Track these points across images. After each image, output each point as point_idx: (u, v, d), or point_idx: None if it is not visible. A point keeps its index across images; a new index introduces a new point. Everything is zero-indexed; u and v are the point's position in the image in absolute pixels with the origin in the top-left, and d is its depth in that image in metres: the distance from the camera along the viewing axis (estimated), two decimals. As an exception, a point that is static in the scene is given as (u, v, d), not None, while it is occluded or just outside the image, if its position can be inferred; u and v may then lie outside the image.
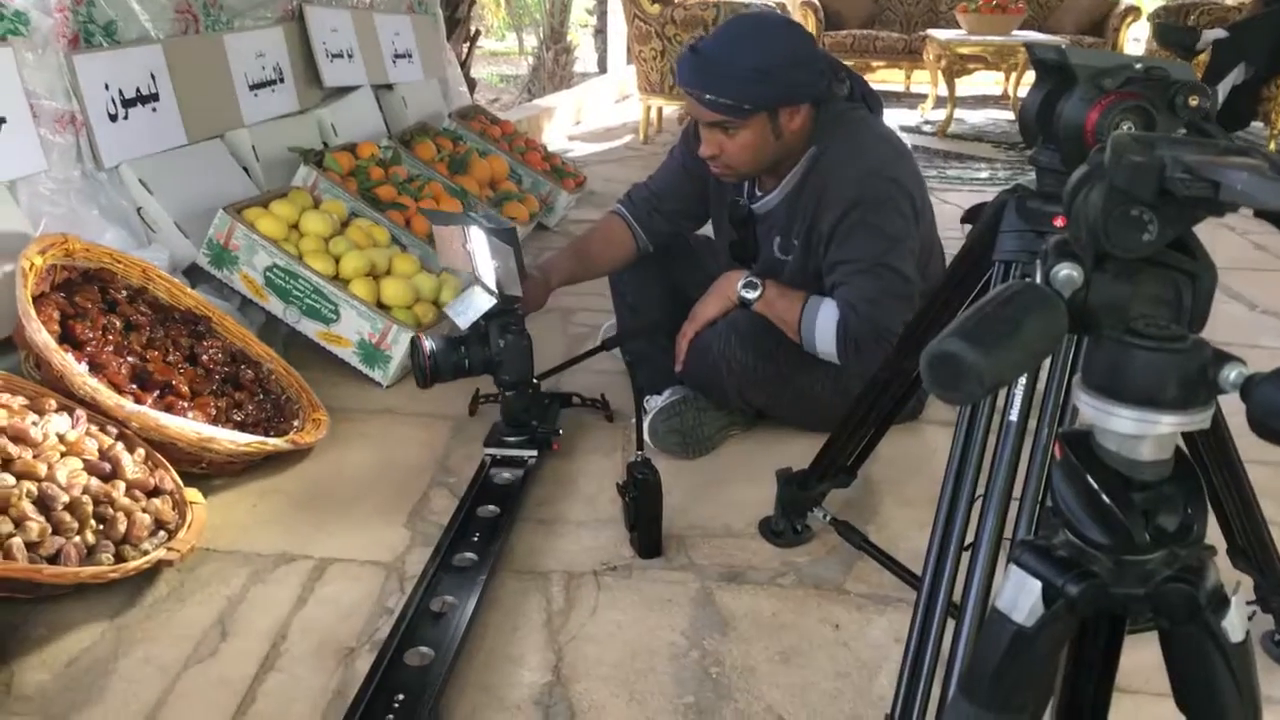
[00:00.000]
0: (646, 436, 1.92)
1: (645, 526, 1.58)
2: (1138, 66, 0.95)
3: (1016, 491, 1.03)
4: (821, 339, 1.76)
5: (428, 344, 1.77)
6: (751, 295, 1.81)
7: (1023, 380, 1.05)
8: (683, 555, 1.61)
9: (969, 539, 1.07)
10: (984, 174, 4.70)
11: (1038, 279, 0.52)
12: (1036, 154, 1.05)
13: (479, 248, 1.80)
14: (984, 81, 7.23)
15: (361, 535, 1.65)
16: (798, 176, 1.81)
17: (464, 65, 5.00)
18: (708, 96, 1.67)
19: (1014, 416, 1.03)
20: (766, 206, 1.88)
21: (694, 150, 1.87)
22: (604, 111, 6.64)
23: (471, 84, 5.06)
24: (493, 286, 1.80)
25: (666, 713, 1.26)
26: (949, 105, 5.84)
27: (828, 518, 1.56)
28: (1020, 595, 0.52)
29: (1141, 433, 0.51)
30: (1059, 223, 1.06)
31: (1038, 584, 0.52)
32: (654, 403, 1.99)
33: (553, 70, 8.18)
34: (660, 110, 5.66)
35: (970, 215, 1.17)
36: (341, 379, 2.20)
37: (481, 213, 1.99)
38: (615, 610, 1.47)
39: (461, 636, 1.34)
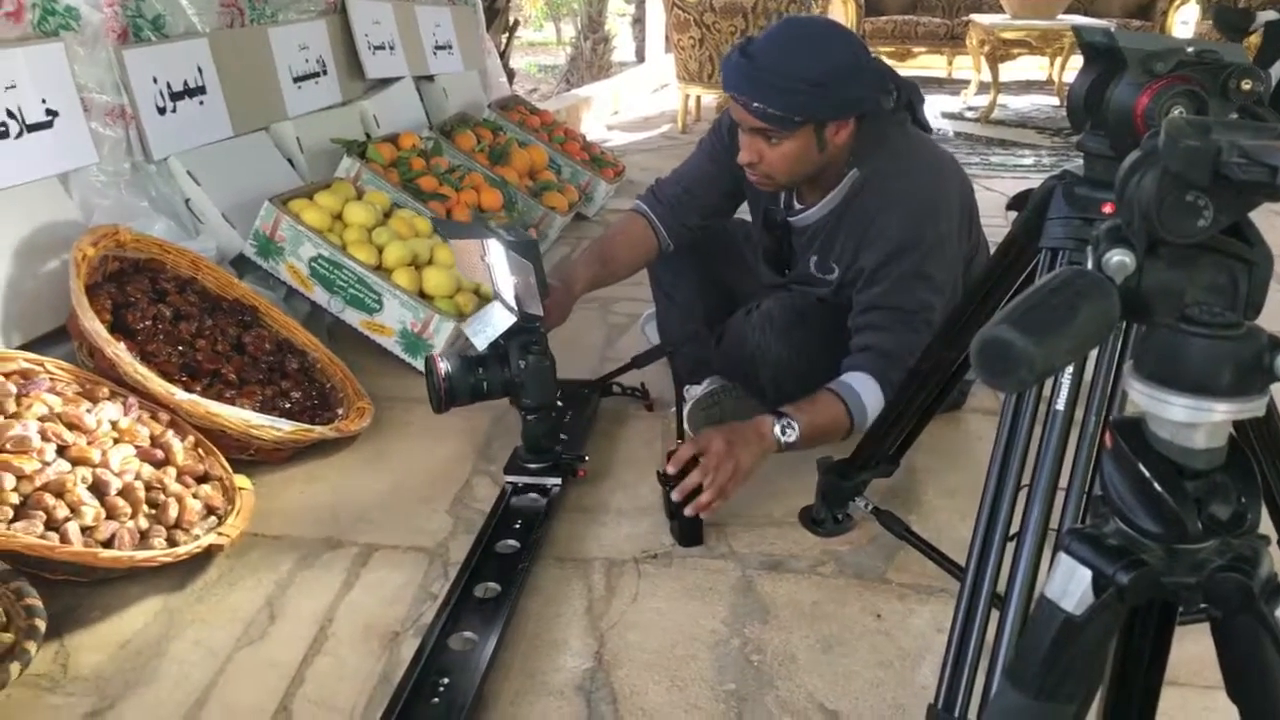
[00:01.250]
0: (686, 425, 1.93)
1: (686, 516, 1.59)
2: (1189, 50, 0.93)
3: (1062, 482, 1.02)
4: (873, 409, 1.63)
5: (443, 365, 1.65)
6: (793, 436, 1.59)
7: (1070, 369, 1.04)
8: (723, 544, 1.61)
9: (1014, 529, 1.06)
10: (1028, 160, 4.64)
11: (1088, 265, 0.51)
12: (1084, 139, 1.03)
13: (497, 262, 1.69)
14: (1028, 67, 7.11)
15: (405, 522, 1.67)
16: (839, 198, 1.74)
17: (503, 56, 5.02)
18: (756, 105, 1.59)
19: (1060, 405, 1.02)
20: (804, 221, 1.81)
21: (727, 144, 1.84)
22: (642, 101, 6.63)
23: (510, 74, 5.08)
24: (512, 303, 1.69)
25: (708, 699, 1.27)
26: (992, 91, 5.76)
27: (869, 507, 1.55)
28: (1070, 583, 0.52)
29: (1195, 421, 0.50)
30: (1108, 209, 1.05)
31: (1088, 572, 0.52)
32: (693, 392, 1.99)
33: (591, 60, 8.19)
34: (699, 99, 5.64)
35: (1016, 202, 1.15)
36: (384, 368, 2.22)
37: (499, 224, 1.79)
38: (656, 598, 1.48)
39: (505, 622, 1.36)
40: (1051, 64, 6.46)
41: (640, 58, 8.07)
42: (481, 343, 1.70)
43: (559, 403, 1.75)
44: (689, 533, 1.60)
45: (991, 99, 5.75)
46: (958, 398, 1.98)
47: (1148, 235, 0.50)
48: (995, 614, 1.04)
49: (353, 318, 2.23)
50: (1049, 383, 1.05)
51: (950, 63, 7.52)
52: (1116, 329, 0.99)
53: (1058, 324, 0.43)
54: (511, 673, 1.32)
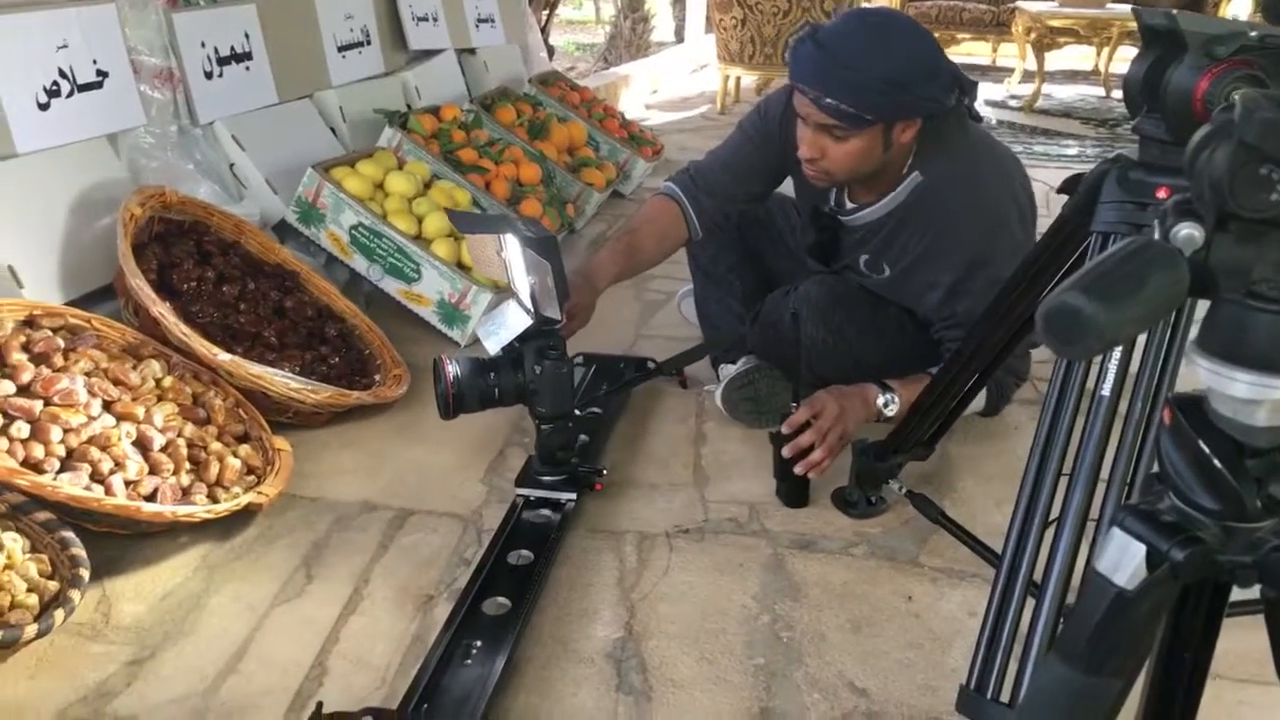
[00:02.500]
0: (720, 404, 1.93)
1: (794, 477, 1.61)
2: (1252, 34, 0.91)
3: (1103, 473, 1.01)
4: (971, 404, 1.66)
5: (451, 368, 1.54)
6: (893, 411, 1.68)
7: (1116, 354, 1.03)
8: (755, 522, 1.61)
9: (1051, 515, 1.05)
10: (1072, 150, 4.57)
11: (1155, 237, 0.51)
12: (1140, 123, 1.02)
13: (514, 259, 1.58)
14: (1074, 56, 7.00)
15: (440, 488, 1.69)
16: (899, 201, 1.69)
17: (543, 31, 5.00)
18: (828, 100, 1.52)
19: (1106, 391, 1.01)
20: (858, 221, 1.76)
21: (774, 133, 1.78)
22: (681, 81, 6.59)
23: (550, 51, 5.07)
24: (529, 304, 1.57)
25: (737, 673, 1.28)
26: (1037, 80, 5.68)
27: (903, 490, 1.55)
28: (1123, 558, 0.52)
29: (1258, 398, 0.50)
30: (1163, 194, 1.04)
31: (1142, 548, 0.52)
32: (727, 371, 1.99)
33: (630, 39, 8.15)
34: (739, 80, 5.60)
35: (1068, 185, 1.14)
36: (421, 337, 2.23)
37: (520, 218, 1.67)
38: (687, 572, 1.48)
39: (538, 589, 1.37)
40: (1098, 54, 6.36)
41: (679, 38, 8.02)
42: (494, 346, 1.57)
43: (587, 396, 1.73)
44: (796, 495, 1.64)
45: (1036, 88, 5.67)
46: (998, 403, 1.87)
47: (1217, 209, 0.50)
48: (1029, 600, 1.04)
49: (391, 287, 2.25)
50: (1094, 369, 1.04)
51: (995, 50, 7.42)
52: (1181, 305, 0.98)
53: (1127, 292, 0.43)
54: (543, 639, 1.33)
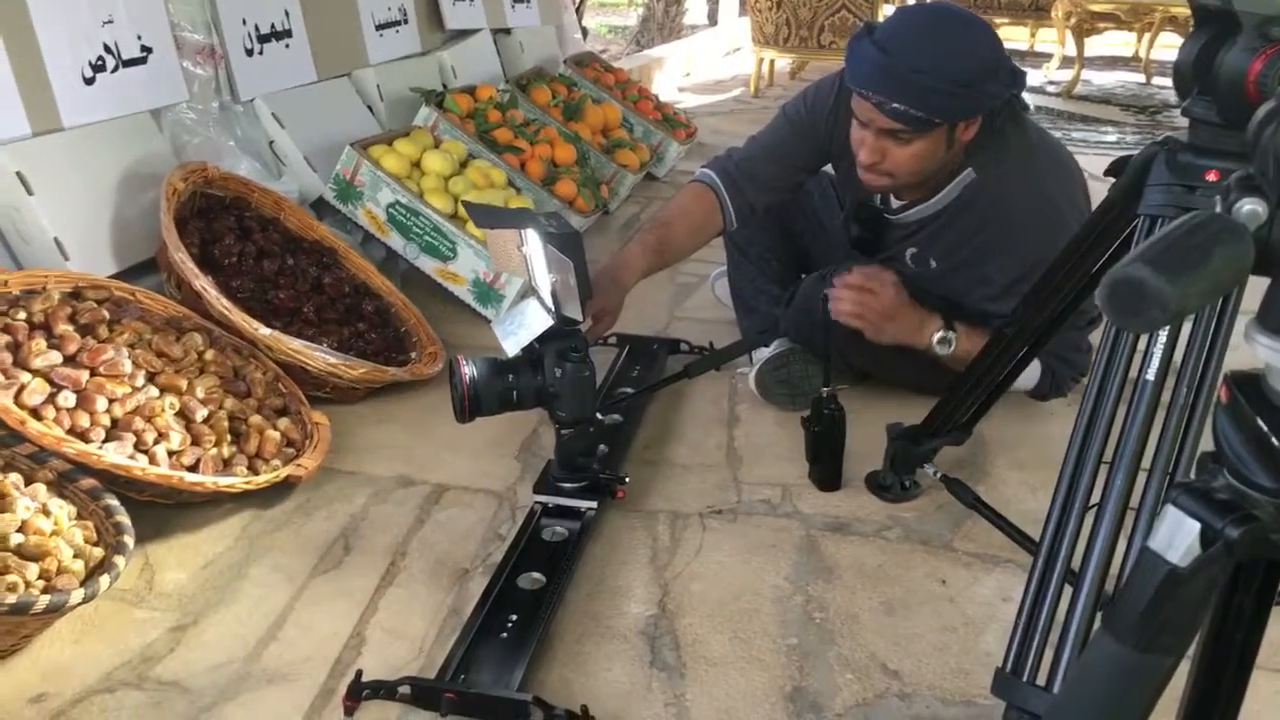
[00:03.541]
0: (753, 387, 1.93)
1: (827, 460, 1.62)
2: (1309, 15, 0.90)
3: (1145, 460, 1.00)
4: (1020, 383, 1.66)
5: (467, 369, 1.45)
6: (945, 351, 1.67)
7: (1162, 339, 1.02)
8: (788, 503, 1.62)
9: (1091, 501, 1.05)
10: (1111, 137, 4.52)
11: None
12: (1190, 105, 1.01)
13: (535, 255, 1.49)
14: (1114, 42, 6.89)
15: (475, 465, 1.70)
16: (950, 198, 1.67)
17: (578, 12, 4.99)
18: (894, 105, 1.47)
19: (1150, 376, 1.01)
20: (906, 218, 1.74)
21: (821, 129, 1.74)
22: (714, 64, 6.56)
23: (583, 33, 5.06)
24: (550, 303, 1.49)
25: (769, 652, 1.28)
26: (1076, 65, 5.60)
27: (938, 474, 1.55)
28: (1177, 535, 0.52)
29: (1319, 376, 0.49)
30: (1212, 177, 1.03)
31: (1195, 525, 0.51)
32: (761, 354, 1.98)
33: (662, 22, 8.10)
34: (773, 63, 5.57)
35: (1115, 168, 1.13)
36: (456, 315, 2.25)
37: (542, 212, 1.56)
38: (720, 551, 1.49)
39: (572, 565, 1.38)
40: (1139, 40, 6.26)
41: (712, 21, 7.98)
42: (512, 347, 1.49)
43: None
44: (829, 477, 1.64)
45: (1075, 74, 5.59)
46: (1048, 390, 1.83)
47: (1281, 185, 0.49)
48: (1066, 587, 1.04)
49: (427, 265, 2.26)
50: (1139, 354, 1.03)
51: (1033, 35, 7.31)
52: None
53: (1192, 265, 0.43)
54: (576, 615, 1.34)
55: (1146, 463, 1.00)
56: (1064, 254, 1.20)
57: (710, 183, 1.81)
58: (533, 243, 1.48)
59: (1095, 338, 1.78)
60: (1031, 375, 1.73)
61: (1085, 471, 1.06)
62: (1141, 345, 1.02)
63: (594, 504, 1.50)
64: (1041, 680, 1.01)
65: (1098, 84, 5.96)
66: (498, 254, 1.65)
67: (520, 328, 1.51)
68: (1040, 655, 1.03)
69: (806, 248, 2.04)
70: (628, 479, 1.56)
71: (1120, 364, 1.05)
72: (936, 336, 1.67)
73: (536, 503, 1.51)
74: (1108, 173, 1.14)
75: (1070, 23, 5.64)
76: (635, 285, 1.75)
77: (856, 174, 1.67)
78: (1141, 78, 6.08)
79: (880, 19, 4.87)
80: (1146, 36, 5.95)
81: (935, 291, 1.75)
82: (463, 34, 3.26)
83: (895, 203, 1.74)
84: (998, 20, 6.70)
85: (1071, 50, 5.69)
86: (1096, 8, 5.53)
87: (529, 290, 1.57)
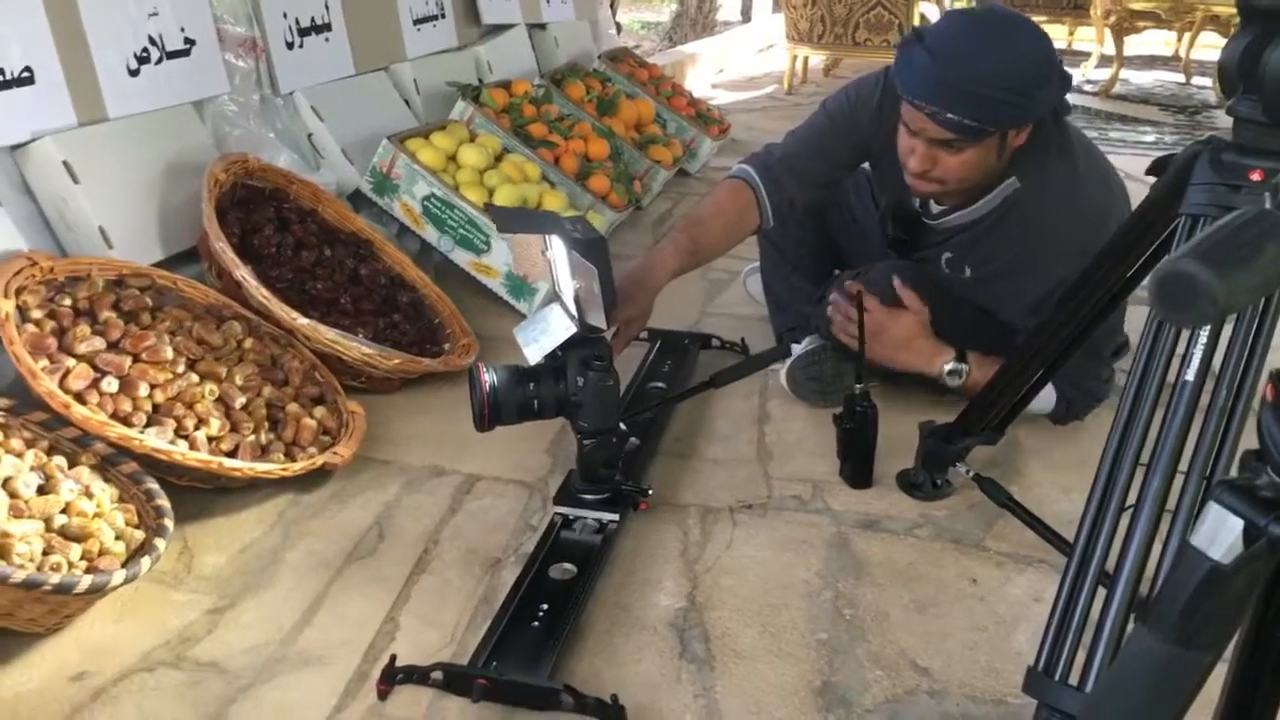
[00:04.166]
0: (784, 383, 1.93)
1: (858, 457, 1.62)
2: (1359, 12, 0.89)
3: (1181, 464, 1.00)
4: (1036, 407, 1.67)
5: (487, 377, 1.41)
6: (957, 382, 1.69)
7: (1203, 339, 1.01)
8: (819, 500, 1.62)
9: (1128, 502, 1.04)
10: (1150, 137, 4.46)
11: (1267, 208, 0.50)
12: (1236, 104, 1.00)
13: (559, 261, 1.45)
14: (1153, 41, 6.80)
15: (506, 456, 1.71)
16: (992, 206, 1.64)
17: (611, 8, 5.00)
18: (949, 116, 1.44)
19: (1190, 377, 1.00)
20: (944, 223, 1.71)
21: (860, 120, 1.71)
22: (747, 60, 6.55)
23: (617, 28, 5.07)
24: (574, 310, 1.45)
25: (799, 647, 1.28)
26: (1115, 64, 5.53)
27: (970, 473, 1.54)
28: (1220, 532, 0.52)
29: (1367, 375, 0.49)
30: (1256, 176, 1.02)
31: (1239, 522, 0.51)
32: (793, 350, 1.98)
33: (695, 18, 8.10)
34: (806, 60, 5.55)
35: (1157, 167, 1.12)
36: (489, 308, 2.26)
37: (567, 216, 1.48)
38: (750, 546, 1.49)
39: (602, 557, 1.39)
40: (1179, 39, 6.17)
41: (746, 17, 7.96)
42: (534, 355, 1.44)
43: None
44: (860, 475, 1.64)
45: (1114, 73, 5.52)
46: (1064, 415, 1.79)
47: (1332, 183, 0.49)
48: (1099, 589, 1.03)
49: (461, 258, 2.28)
50: (1178, 355, 1.03)
51: (1071, 33, 7.24)
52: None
53: (1243, 260, 0.43)
54: (607, 605, 1.35)
55: (1184, 465, 0.99)
56: (1103, 252, 1.19)
57: (748, 179, 1.76)
58: (556, 248, 1.45)
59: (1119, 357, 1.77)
60: (1048, 399, 1.71)
61: (1122, 472, 1.05)
62: (1180, 348, 1.01)
63: (616, 516, 1.47)
64: (1074, 680, 1.01)
65: (1136, 83, 5.89)
66: (521, 258, 1.61)
67: (542, 335, 1.47)
68: (1073, 655, 1.03)
69: (841, 244, 2.03)
70: (650, 490, 1.52)
71: (1159, 365, 1.04)
72: (947, 368, 1.68)
73: (557, 514, 1.48)
74: (1149, 171, 1.13)
75: (1109, 21, 5.57)
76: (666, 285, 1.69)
77: (896, 174, 1.65)
78: (1181, 77, 6.00)
79: (916, 17, 4.88)
80: (1187, 36, 5.87)
81: (968, 298, 1.74)
82: (498, 29, 3.28)
83: (935, 207, 1.72)
84: (1035, 17, 6.62)
85: (1110, 49, 5.62)
86: (1136, 6, 5.46)
87: (553, 296, 1.52)
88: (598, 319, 1.40)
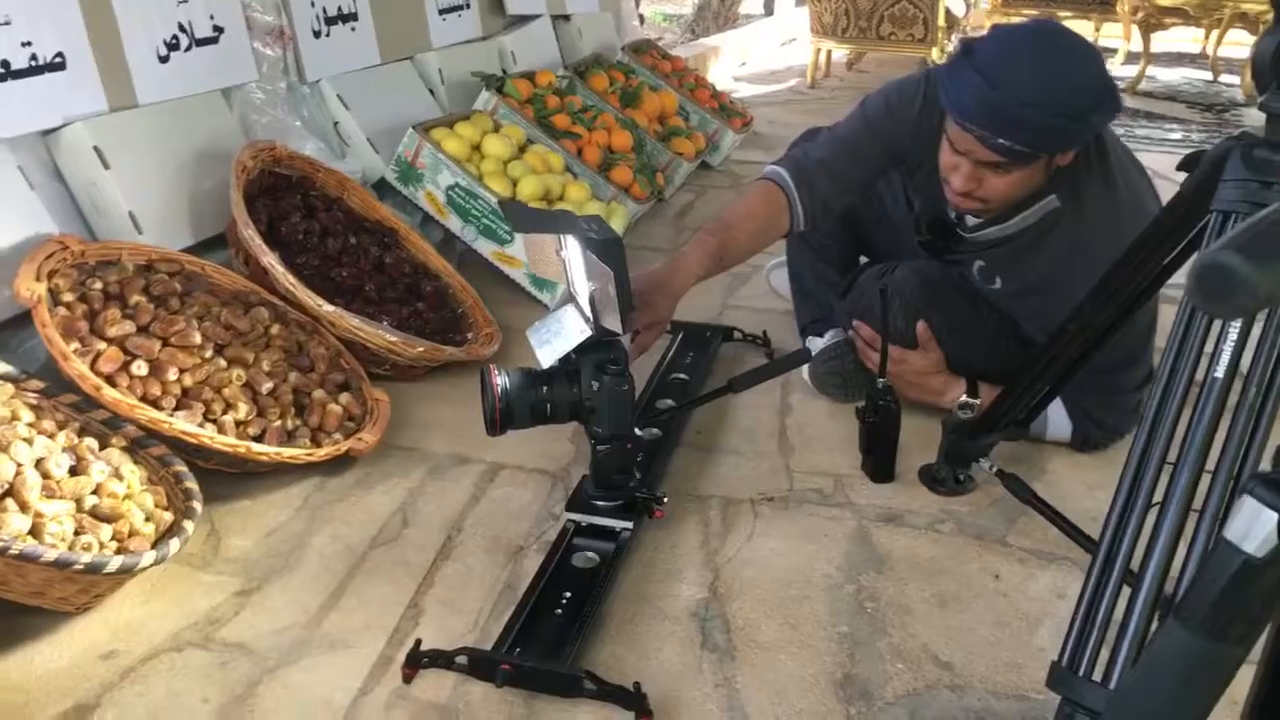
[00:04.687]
0: (807, 377, 1.93)
1: (881, 452, 1.62)
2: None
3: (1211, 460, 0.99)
4: (1052, 433, 1.71)
5: (499, 380, 1.38)
6: (968, 415, 1.61)
7: (1233, 336, 1.00)
8: (840, 493, 1.62)
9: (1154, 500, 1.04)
10: (1175, 135, 4.42)
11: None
12: (1269, 100, 0.99)
13: (574, 260, 1.40)
14: (1181, 38, 6.73)
15: (529, 445, 1.72)
16: (1030, 223, 1.60)
17: (634, 1, 5.00)
18: (1000, 141, 1.41)
19: (1219, 374, 0.99)
20: (981, 236, 1.67)
21: (900, 129, 1.65)
22: (770, 54, 6.53)
23: (639, 20, 5.06)
24: (588, 312, 1.39)
25: (820, 639, 1.29)
26: (1141, 61, 5.49)
27: (994, 469, 1.54)
28: (1253, 526, 0.52)
29: None
30: (1290, 174, 1.01)
31: (1274, 515, 0.51)
32: (814, 344, 1.98)
33: (717, 10, 8.08)
34: (829, 54, 5.53)
35: (1187, 163, 1.12)
36: (512, 299, 2.27)
37: (579, 216, 1.40)
38: (771, 539, 1.50)
39: (625, 546, 1.40)
40: (1207, 36, 6.11)
41: (768, 10, 7.93)
42: (547, 357, 1.39)
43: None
44: (882, 469, 1.64)
45: (1140, 69, 5.48)
46: (1081, 445, 1.75)
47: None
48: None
49: (484, 248, 2.29)
50: (1207, 352, 1.02)
51: (1097, 29, 7.15)
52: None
53: (1283, 253, 0.43)
54: (629, 595, 1.36)
55: (1211, 464, 0.99)
56: (1132, 249, 1.18)
57: (780, 182, 1.69)
58: (571, 248, 1.40)
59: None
60: (1064, 429, 1.71)
61: (1149, 470, 1.05)
62: (1209, 346, 1.01)
63: (629, 524, 1.43)
64: (1098, 677, 1.01)
65: (1163, 80, 5.84)
66: (535, 257, 1.57)
67: (556, 337, 1.42)
68: (1097, 651, 1.03)
69: (870, 235, 2.00)
70: (665, 498, 1.48)
71: (1187, 363, 1.03)
72: (959, 403, 1.67)
73: (569, 520, 1.45)
74: (1180, 167, 1.13)
75: (1137, 17, 5.52)
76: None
77: (934, 185, 1.63)
78: (1208, 75, 5.94)
79: (941, 13, 4.85)
80: (1214, 33, 5.80)
81: (994, 305, 1.72)
82: (523, 19, 3.29)
83: (971, 220, 1.68)
84: (1061, 14, 6.59)
85: (1137, 45, 5.58)
86: (1165, 2, 5.41)
87: (568, 297, 1.49)
88: (613, 322, 1.35)
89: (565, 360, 1.39)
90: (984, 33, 1.49)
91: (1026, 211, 1.59)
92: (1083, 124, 1.42)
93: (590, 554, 1.37)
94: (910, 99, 1.65)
